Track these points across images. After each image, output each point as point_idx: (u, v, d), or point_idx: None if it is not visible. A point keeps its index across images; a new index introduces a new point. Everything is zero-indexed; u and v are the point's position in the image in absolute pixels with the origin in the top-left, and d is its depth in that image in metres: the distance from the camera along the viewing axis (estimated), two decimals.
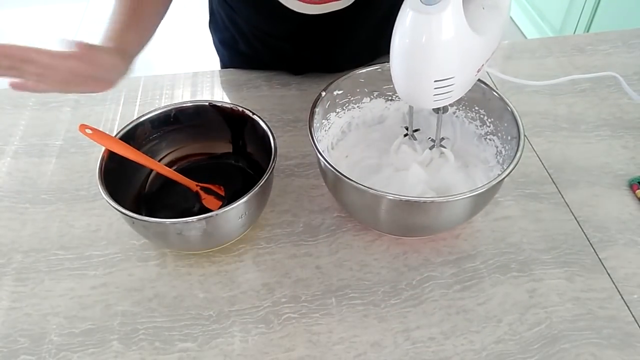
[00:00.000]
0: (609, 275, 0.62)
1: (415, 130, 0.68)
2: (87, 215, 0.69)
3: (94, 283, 0.62)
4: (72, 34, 2.62)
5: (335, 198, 0.65)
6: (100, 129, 0.61)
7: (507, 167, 0.56)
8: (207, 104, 0.68)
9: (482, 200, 0.60)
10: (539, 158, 0.75)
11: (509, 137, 0.63)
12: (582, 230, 0.66)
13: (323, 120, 0.67)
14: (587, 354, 0.55)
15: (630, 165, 0.74)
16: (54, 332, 0.58)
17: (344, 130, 0.72)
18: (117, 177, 0.61)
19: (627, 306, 0.59)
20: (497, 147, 0.66)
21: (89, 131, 0.59)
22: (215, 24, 0.92)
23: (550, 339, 0.56)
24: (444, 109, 0.60)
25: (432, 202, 0.57)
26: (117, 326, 0.58)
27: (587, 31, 1.96)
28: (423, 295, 0.60)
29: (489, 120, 0.67)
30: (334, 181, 0.60)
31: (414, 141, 0.68)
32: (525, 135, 0.59)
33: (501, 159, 0.65)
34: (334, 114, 0.69)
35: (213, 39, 0.96)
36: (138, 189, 0.68)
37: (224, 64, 0.97)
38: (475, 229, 0.67)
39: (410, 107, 0.65)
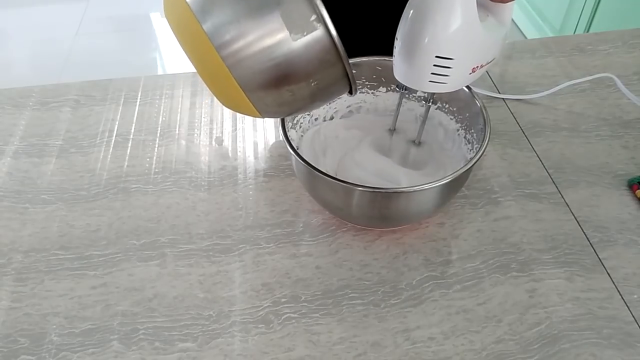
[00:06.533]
0: (609, 275, 0.62)
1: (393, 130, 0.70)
2: (87, 215, 0.69)
3: (94, 283, 0.62)
4: (72, 34, 2.62)
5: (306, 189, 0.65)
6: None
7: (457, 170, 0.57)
8: None
9: (444, 192, 0.60)
10: (539, 158, 0.75)
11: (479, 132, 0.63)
12: (582, 230, 0.66)
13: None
14: (587, 354, 0.55)
15: (630, 165, 0.74)
16: (54, 332, 0.58)
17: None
18: None
19: (627, 306, 0.59)
20: (469, 143, 0.67)
21: None
22: None
23: (550, 339, 0.56)
24: (434, 101, 0.61)
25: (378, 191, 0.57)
26: (117, 326, 0.58)
27: (587, 31, 1.96)
28: (423, 295, 0.60)
29: (459, 116, 0.68)
30: (296, 166, 0.61)
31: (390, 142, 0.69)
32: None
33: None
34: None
35: None
36: None
37: None
38: (475, 228, 0.67)
39: (400, 97, 0.66)
